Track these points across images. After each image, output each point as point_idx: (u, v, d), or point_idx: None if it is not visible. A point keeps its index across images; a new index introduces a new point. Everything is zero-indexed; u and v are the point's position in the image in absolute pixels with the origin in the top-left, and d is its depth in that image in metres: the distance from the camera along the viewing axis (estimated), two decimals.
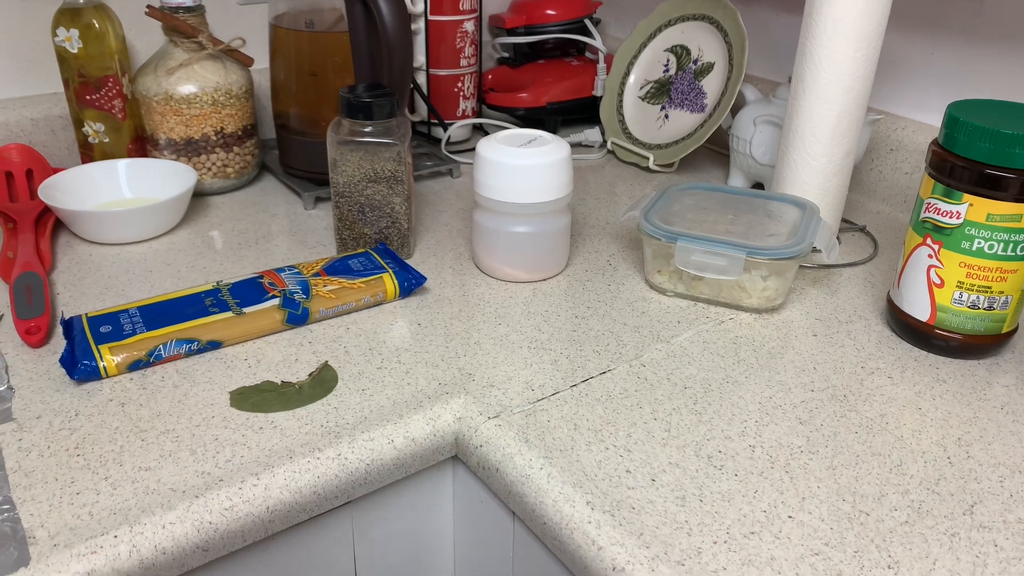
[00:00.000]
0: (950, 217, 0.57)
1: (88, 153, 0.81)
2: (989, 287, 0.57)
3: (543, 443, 0.51)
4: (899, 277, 0.62)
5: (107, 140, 0.80)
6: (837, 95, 0.69)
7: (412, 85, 0.93)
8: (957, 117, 0.55)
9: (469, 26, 0.95)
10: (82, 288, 0.67)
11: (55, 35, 0.76)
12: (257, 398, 0.54)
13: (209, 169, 0.82)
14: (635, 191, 0.90)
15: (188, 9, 0.78)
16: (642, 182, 0.92)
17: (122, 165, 0.79)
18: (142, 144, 0.83)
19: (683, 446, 0.51)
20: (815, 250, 0.70)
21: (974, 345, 0.60)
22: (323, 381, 0.56)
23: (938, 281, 0.59)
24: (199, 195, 0.84)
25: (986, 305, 0.58)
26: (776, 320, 0.65)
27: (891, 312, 0.63)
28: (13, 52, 0.83)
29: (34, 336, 0.59)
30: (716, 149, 1.01)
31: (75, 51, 0.76)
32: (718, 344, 0.62)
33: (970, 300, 0.58)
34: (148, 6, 0.76)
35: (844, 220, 0.82)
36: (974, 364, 0.60)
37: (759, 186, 0.90)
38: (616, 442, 0.51)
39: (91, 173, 0.77)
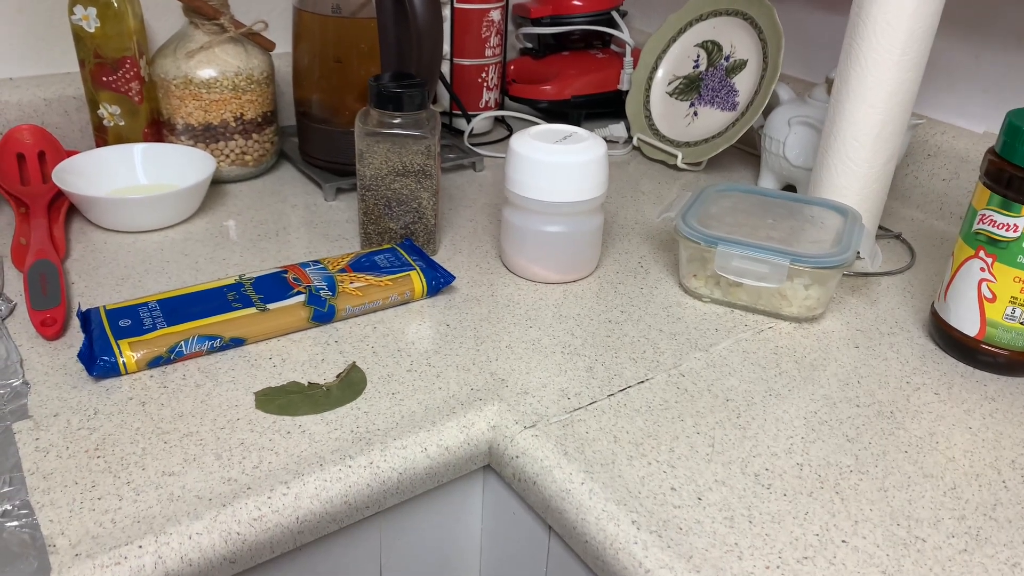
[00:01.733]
0: (1006, 230, 0.54)
1: (102, 136, 0.79)
2: None
3: (583, 456, 0.49)
4: (946, 289, 0.60)
5: (123, 123, 0.78)
6: (882, 99, 0.67)
7: (440, 77, 0.90)
8: (1018, 126, 0.53)
9: (495, 15, 0.92)
10: (98, 278, 0.64)
11: (72, 13, 0.73)
12: (283, 400, 0.52)
13: (227, 156, 0.80)
14: (662, 190, 0.87)
15: None
16: (669, 181, 0.90)
17: (138, 150, 0.76)
18: (158, 128, 0.80)
19: (728, 463, 0.49)
20: (858, 258, 0.68)
21: (1022, 362, 0.58)
22: (351, 383, 0.54)
23: (990, 295, 0.56)
24: (216, 183, 0.81)
25: None
26: (816, 330, 0.63)
27: (935, 325, 0.61)
28: (28, 29, 0.80)
29: (50, 328, 0.56)
30: (745, 149, 0.99)
31: (92, 30, 0.73)
32: (759, 354, 0.59)
33: (1023, 316, 0.56)
34: None
35: (880, 227, 0.80)
36: (1021, 382, 0.58)
37: (790, 188, 0.87)
38: (659, 457, 0.49)
39: (106, 157, 0.75)
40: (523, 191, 0.64)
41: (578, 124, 1.03)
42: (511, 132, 0.98)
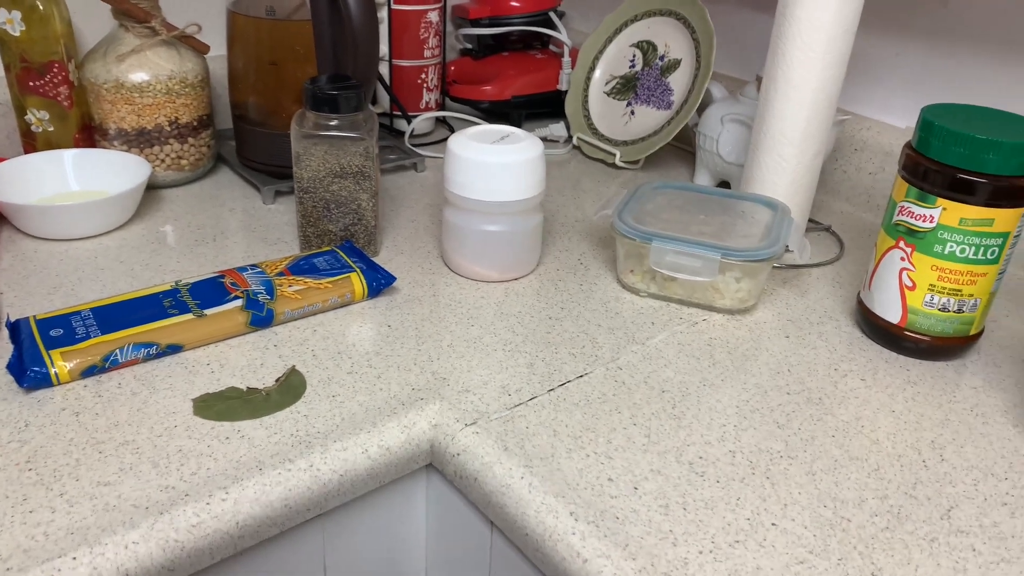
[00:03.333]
0: (924, 220, 0.57)
1: (31, 142, 0.77)
2: (959, 290, 0.58)
3: (523, 451, 0.49)
4: (870, 279, 0.62)
5: (52, 129, 0.76)
6: (808, 96, 0.69)
7: (378, 78, 0.90)
8: (932, 121, 0.56)
9: (433, 16, 0.92)
10: (27, 287, 0.63)
11: None
12: (222, 406, 0.52)
13: (163, 161, 0.78)
14: (601, 188, 0.89)
15: None
16: (608, 179, 0.91)
17: (69, 156, 0.75)
18: (90, 134, 0.79)
19: (664, 452, 0.50)
20: (787, 251, 0.70)
21: (942, 347, 0.60)
22: (291, 387, 0.54)
23: (910, 284, 0.59)
24: (152, 188, 0.80)
25: (956, 308, 0.58)
26: (748, 321, 0.65)
27: (861, 313, 0.64)
28: None
29: None
30: (681, 146, 1.01)
31: (17, 34, 0.72)
32: (693, 346, 0.61)
33: (940, 303, 0.58)
34: None
35: (810, 220, 0.82)
36: (942, 366, 0.61)
37: (725, 184, 0.90)
38: (597, 449, 0.50)
39: (35, 164, 0.73)
40: (462, 191, 0.65)
41: (519, 124, 1.04)
42: (452, 132, 0.99)
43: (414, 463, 0.52)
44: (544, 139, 1.01)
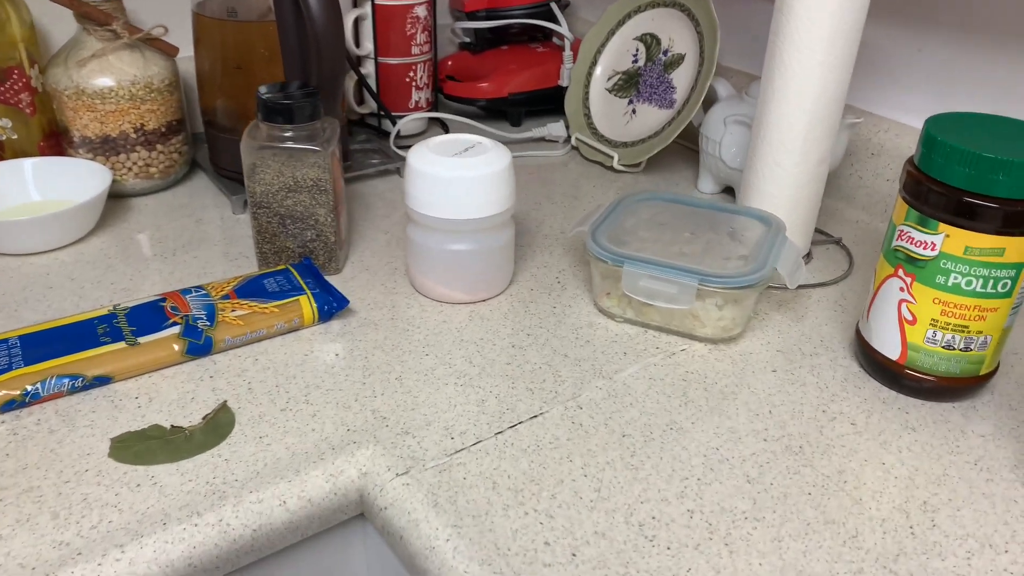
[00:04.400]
0: (924, 248, 0.50)
1: None
2: (966, 326, 0.51)
3: (454, 507, 0.45)
4: (868, 309, 0.56)
5: (15, 137, 0.74)
6: (809, 100, 0.62)
7: (358, 76, 0.86)
8: (935, 136, 0.49)
9: (421, 11, 0.87)
10: None
11: None
12: (141, 447, 0.48)
13: (130, 169, 0.75)
14: (599, 193, 0.83)
15: None
16: (607, 183, 0.86)
17: (29, 164, 0.72)
18: (58, 140, 0.76)
19: (613, 510, 0.45)
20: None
21: (948, 388, 0.54)
22: (217, 426, 0.50)
23: (910, 317, 0.52)
24: (122, 196, 0.77)
25: (962, 346, 0.52)
26: (733, 352, 0.59)
27: (860, 346, 0.57)
28: None
29: None
30: (691, 147, 0.94)
31: None
32: (665, 381, 0.56)
33: (945, 340, 0.52)
34: None
35: (818, 231, 0.75)
36: (948, 408, 0.54)
37: (730, 191, 0.83)
38: (538, 505, 0.45)
39: None
40: (423, 208, 0.60)
41: (518, 123, 0.98)
42: (446, 133, 0.94)
43: (341, 514, 0.48)
44: (542, 139, 0.95)
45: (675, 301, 0.57)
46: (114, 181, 0.75)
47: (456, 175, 0.59)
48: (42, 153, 0.75)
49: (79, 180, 0.72)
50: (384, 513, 0.46)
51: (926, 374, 0.53)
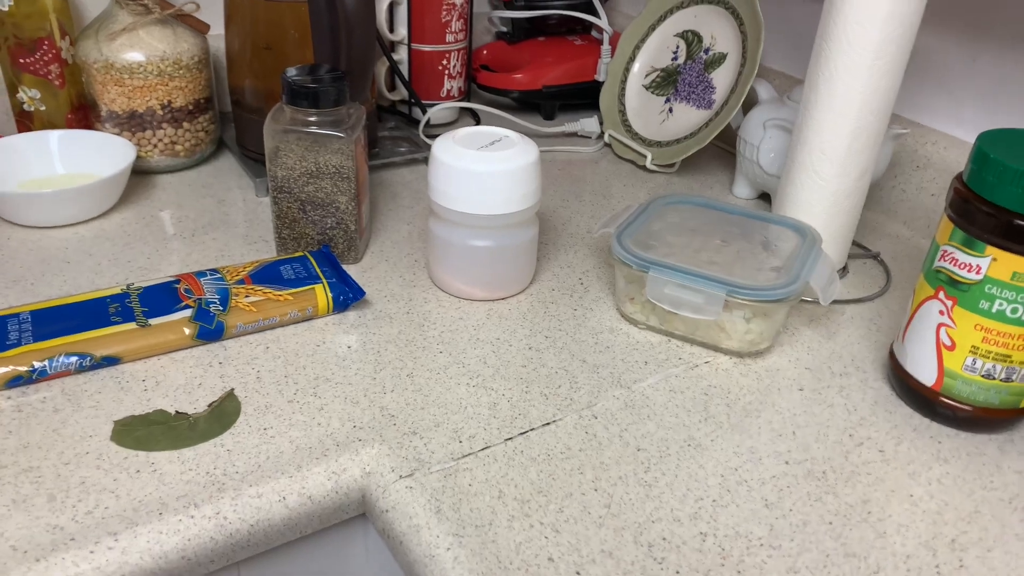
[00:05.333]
0: (969, 271, 0.47)
1: (26, 121, 0.74)
2: (1009, 356, 0.48)
3: (457, 515, 0.43)
4: (904, 330, 0.53)
5: (43, 108, 0.73)
6: (854, 108, 0.59)
7: (390, 62, 0.84)
8: (987, 152, 0.46)
9: None
10: None
11: None
12: (143, 432, 0.47)
13: (155, 146, 0.75)
14: (629, 193, 0.81)
15: None
16: (638, 183, 0.83)
17: (54, 137, 0.72)
18: (85, 113, 0.76)
19: (622, 528, 0.43)
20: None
21: (986, 419, 0.51)
22: (222, 414, 0.49)
23: (948, 343, 0.50)
24: (146, 173, 0.76)
25: (1003, 376, 0.49)
26: (759, 367, 0.57)
27: (893, 369, 0.55)
28: None
29: None
30: (728, 150, 0.91)
31: (6, 8, 0.69)
32: (686, 394, 0.53)
33: (985, 368, 0.49)
34: None
35: (856, 244, 0.72)
36: (984, 440, 0.51)
37: (766, 197, 0.80)
38: (544, 518, 0.43)
39: (19, 145, 0.70)
40: (445, 202, 0.59)
41: (551, 116, 0.96)
42: (478, 123, 0.92)
43: (343, 513, 0.47)
44: (574, 134, 0.93)
45: (701, 311, 0.55)
46: (139, 157, 0.74)
47: (480, 169, 0.57)
48: (70, 126, 0.74)
49: (104, 154, 0.71)
50: (386, 516, 0.45)
51: (963, 403, 0.51)
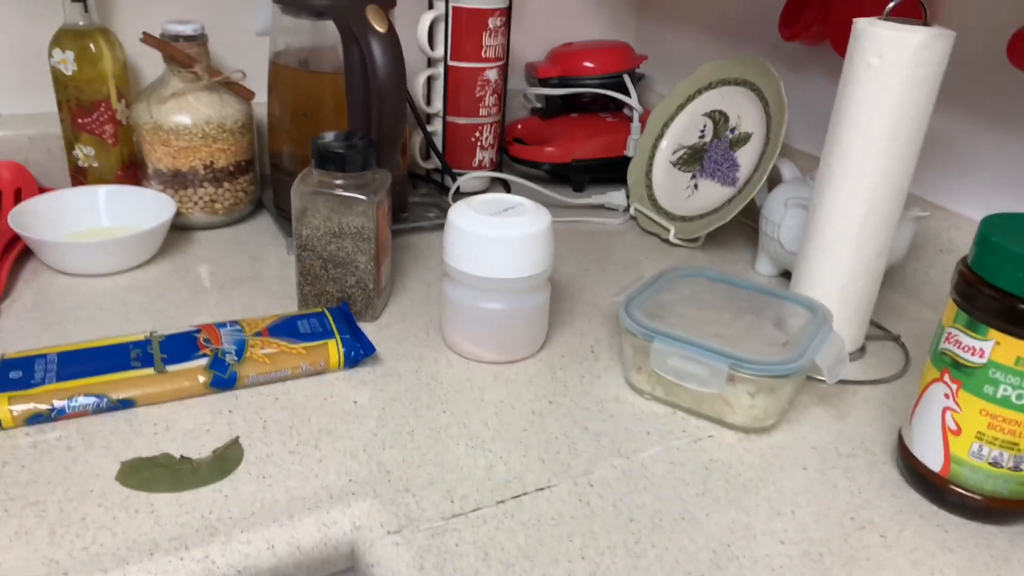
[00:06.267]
0: (972, 354, 0.47)
1: (80, 177, 0.79)
2: (1016, 443, 0.47)
3: (440, 574, 0.43)
4: (912, 413, 0.52)
5: (96, 165, 0.78)
6: (866, 188, 0.60)
7: (424, 133, 0.88)
8: (988, 236, 0.46)
9: (492, 75, 0.89)
10: (25, 322, 0.63)
11: (51, 55, 0.74)
12: (147, 473, 0.49)
13: (196, 203, 0.79)
14: (652, 265, 0.81)
15: (189, 38, 0.76)
16: (661, 256, 0.84)
17: (102, 192, 0.76)
18: (135, 171, 0.80)
19: None
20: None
21: (996, 509, 0.49)
22: (224, 461, 0.50)
23: (954, 427, 0.49)
24: (186, 228, 0.80)
25: (1011, 464, 0.47)
26: (763, 444, 0.56)
27: (901, 453, 0.53)
28: (20, 69, 0.82)
29: None
30: (754, 227, 0.92)
31: (70, 73, 0.74)
32: (686, 467, 0.53)
33: (992, 456, 0.48)
34: (144, 33, 0.74)
35: (876, 325, 0.72)
36: (994, 532, 0.49)
37: (788, 275, 0.80)
38: None
39: (70, 199, 0.75)
40: (458, 264, 0.60)
41: (581, 189, 0.98)
42: (509, 192, 0.95)
43: (331, 566, 0.47)
44: (601, 207, 0.95)
45: (705, 384, 0.55)
46: (180, 214, 0.78)
47: (491, 234, 0.59)
48: (119, 182, 0.79)
49: (147, 209, 0.75)
50: (371, 570, 0.45)
51: (971, 491, 0.49)
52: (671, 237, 0.85)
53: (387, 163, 0.71)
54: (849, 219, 0.61)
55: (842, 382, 0.63)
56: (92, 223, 0.76)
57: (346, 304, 0.66)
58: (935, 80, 0.57)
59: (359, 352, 0.60)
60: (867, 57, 0.57)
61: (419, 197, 0.90)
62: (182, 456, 0.51)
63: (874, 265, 0.63)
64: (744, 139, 0.84)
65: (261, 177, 0.88)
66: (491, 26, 0.86)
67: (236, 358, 0.57)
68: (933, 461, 0.50)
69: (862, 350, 0.68)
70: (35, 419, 0.52)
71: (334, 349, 0.60)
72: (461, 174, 0.91)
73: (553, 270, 0.78)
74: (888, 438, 0.57)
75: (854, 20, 0.59)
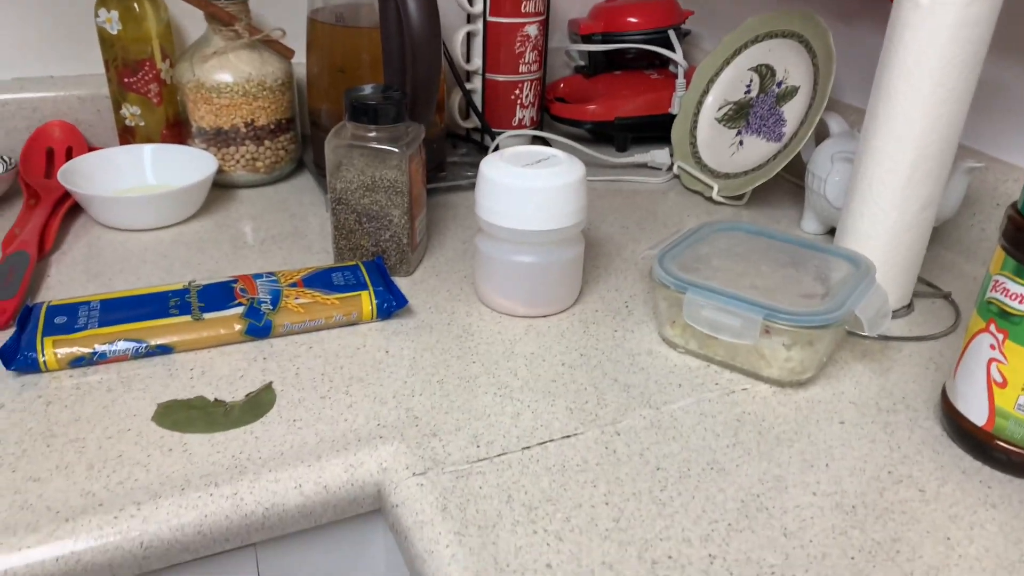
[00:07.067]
0: (1020, 302, 0.45)
1: (127, 136, 0.81)
2: None
3: (463, 515, 0.44)
4: (956, 366, 0.50)
5: (143, 124, 0.80)
6: (914, 136, 0.57)
7: (463, 91, 0.87)
8: None
9: (532, 30, 0.88)
10: (72, 274, 0.66)
11: (97, 15, 0.76)
12: (182, 415, 0.50)
13: (238, 161, 0.80)
14: (695, 223, 0.80)
15: None
16: (704, 215, 0.82)
17: (148, 150, 0.78)
18: (179, 130, 0.82)
19: (627, 543, 0.42)
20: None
21: None
22: (257, 404, 0.51)
23: (1000, 379, 0.47)
24: (227, 186, 0.82)
25: None
26: (799, 398, 0.54)
27: (944, 408, 0.52)
28: (69, 30, 0.84)
29: None
30: (800, 184, 0.89)
31: (115, 32, 0.76)
32: (717, 419, 0.52)
33: None
34: None
35: (926, 282, 0.69)
36: None
37: (834, 233, 0.78)
38: (549, 526, 0.43)
39: (115, 157, 0.77)
40: (490, 217, 0.60)
41: (624, 148, 0.97)
42: None
43: (358, 506, 0.48)
44: (644, 165, 0.93)
45: (739, 335, 0.54)
46: (222, 172, 0.79)
47: (523, 184, 0.58)
48: (164, 140, 0.81)
49: (190, 167, 0.77)
50: (395, 510, 0.45)
51: (1017, 446, 0.47)
52: (714, 195, 0.83)
53: (423, 119, 0.71)
54: (896, 169, 0.59)
55: (886, 338, 0.61)
56: (138, 180, 0.78)
57: (380, 258, 0.66)
58: (989, 21, 0.54)
59: (392, 304, 0.60)
60: None
61: (458, 156, 0.90)
62: (216, 399, 0.52)
63: (921, 217, 0.60)
64: (791, 93, 0.82)
65: (302, 137, 0.89)
66: None
67: (271, 307, 0.58)
68: (977, 415, 0.48)
69: (909, 307, 0.65)
70: (78, 362, 0.54)
71: (367, 300, 0.60)
72: (500, 133, 0.90)
73: (592, 228, 0.77)
74: (932, 395, 0.55)
75: None
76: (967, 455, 0.50)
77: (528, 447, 0.49)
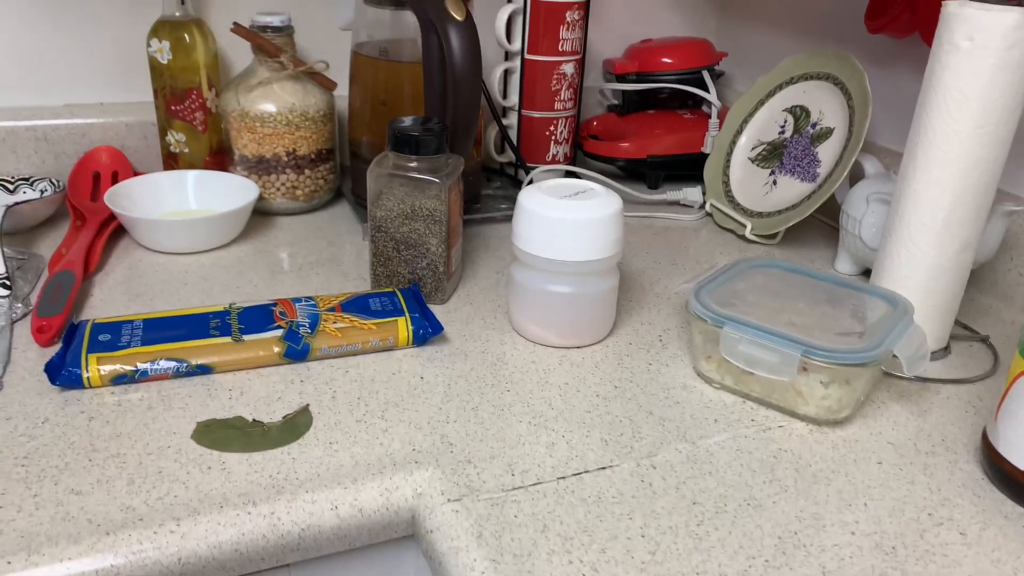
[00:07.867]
0: None
1: (171, 162, 0.83)
2: None
3: (498, 542, 0.43)
4: (997, 409, 0.50)
5: (187, 150, 0.82)
6: (953, 178, 0.58)
7: (499, 126, 0.89)
8: None
9: (568, 68, 0.89)
10: (114, 294, 0.67)
11: (149, 45, 0.78)
12: (220, 434, 0.51)
13: (278, 189, 0.82)
14: (727, 260, 0.80)
15: (276, 29, 0.79)
16: (736, 252, 0.83)
17: (191, 176, 0.80)
18: (222, 157, 0.84)
19: None
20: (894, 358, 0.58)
21: None
22: (294, 426, 0.52)
23: None
24: (267, 214, 0.83)
25: None
26: (836, 436, 0.54)
27: (985, 452, 0.51)
28: (120, 59, 0.87)
29: (44, 335, 0.59)
30: (834, 225, 0.89)
31: (165, 62, 0.78)
32: (754, 455, 0.52)
33: None
34: (234, 23, 0.77)
35: (963, 326, 0.68)
36: None
37: (869, 274, 0.77)
38: (585, 556, 0.43)
39: (160, 182, 0.79)
40: (526, 247, 0.61)
41: (656, 185, 0.97)
42: None
43: (392, 531, 0.48)
44: (676, 203, 0.94)
45: (776, 372, 0.54)
46: (262, 199, 0.81)
47: (561, 216, 0.59)
48: (207, 167, 0.83)
49: (231, 193, 0.78)
50: (430, 536, 0.45)
51: None
52: (748, 233, 0.84)
53: (461, 149, 0.72)
54: (934, 210, 0.59)
55: (924, 380, 0.61)
56: (180, 205, 0.79)
57: (416, 286, 0.67)
58: None
59: (427, 331, 0.61)
60: (956, 40, 0.55)
61: (492, 189, 0.91)
62: (254, 419, 0.52)
63: (959, 260, 0.60)
64: (826, 134, 0.82)
65: (341, 167, 0.90)
66: (568, 20, 0.87)
67: (310, 331, 0.59)
68: (1020, 459, 0.48)
69: (946, 349, 0.65)
70: (120, 379, 0.55)
71: (403, 326, 0.61)
72: (534, 168, 0.91)
73: (624, 262, 0.78)
74: (972, 438, 0.55)
75: (943, 3, 0.57)
76: (1009, 500, 0.49)
77: (563, 477, 0.49)
